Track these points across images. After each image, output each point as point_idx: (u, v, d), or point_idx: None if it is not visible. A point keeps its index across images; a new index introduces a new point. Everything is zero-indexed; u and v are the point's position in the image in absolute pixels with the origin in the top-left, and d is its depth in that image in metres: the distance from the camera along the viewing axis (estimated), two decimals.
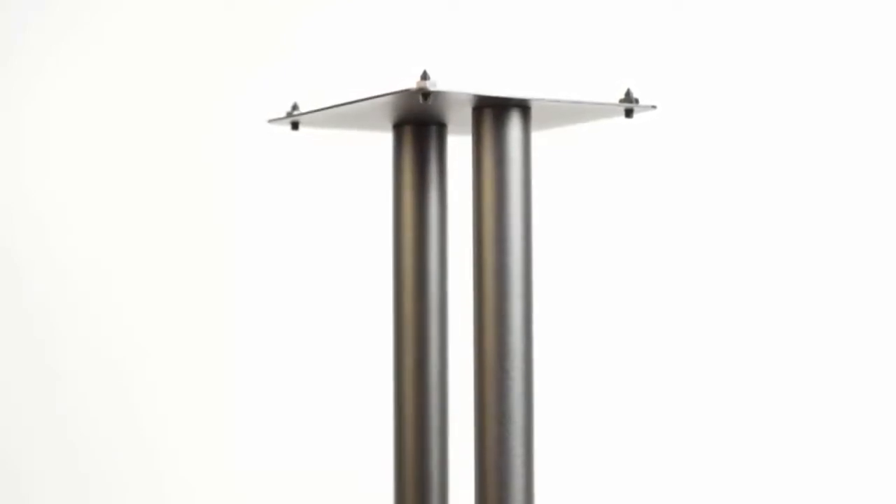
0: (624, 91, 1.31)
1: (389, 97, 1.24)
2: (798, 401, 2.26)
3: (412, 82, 1.22)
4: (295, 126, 1.39)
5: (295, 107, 1.37)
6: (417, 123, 1.40)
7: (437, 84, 1.21)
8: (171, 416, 2.47)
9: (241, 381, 2.44)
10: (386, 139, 1.47)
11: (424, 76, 1.21)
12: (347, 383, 2.39)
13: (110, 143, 2.50)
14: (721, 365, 2.27)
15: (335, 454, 2.40)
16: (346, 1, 2.43)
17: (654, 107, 1.31)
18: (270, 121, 1.40)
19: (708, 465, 2.28)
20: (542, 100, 1.27)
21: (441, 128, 1.41)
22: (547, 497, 1.83)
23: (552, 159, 1.87)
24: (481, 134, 1.29)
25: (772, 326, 2.25)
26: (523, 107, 1.28)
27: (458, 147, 1.46)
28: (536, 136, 1.35)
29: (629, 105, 1.30)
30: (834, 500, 2.25)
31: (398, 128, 1.41)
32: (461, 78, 1.30)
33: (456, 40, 2.34)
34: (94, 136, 2.51)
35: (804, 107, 2.24)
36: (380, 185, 1.83)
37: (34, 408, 2.52)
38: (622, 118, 1.33)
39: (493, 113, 1.28)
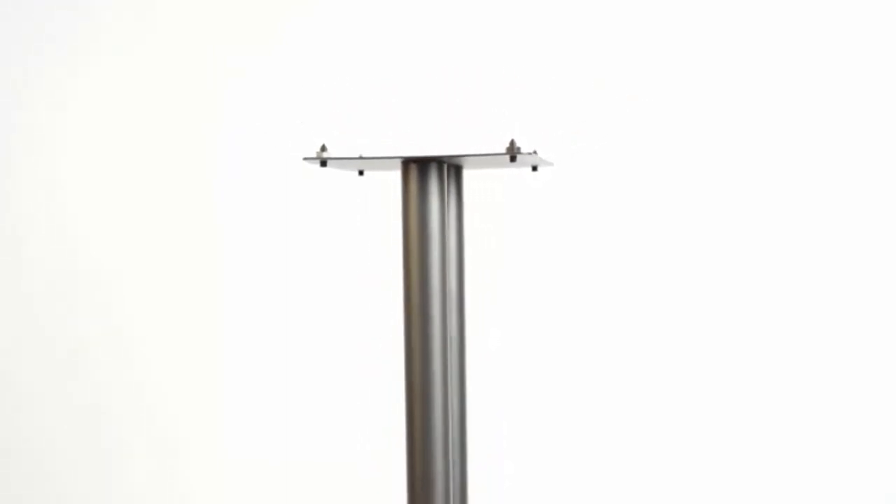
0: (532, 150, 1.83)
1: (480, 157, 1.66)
2: (766, 414, 2.38)
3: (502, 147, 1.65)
4: (324, 164, 1.69)
5: (324, 148, 1.68)
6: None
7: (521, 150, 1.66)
8: (179, 409, 2.66)
9: (234, 378, 2.65)
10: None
11: (512, 145, 1.66)
12: (336, 383, 2.60)
13: (114, 150, 2.66)
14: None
15: (325, 447, 2.62)
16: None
17: (551, 164, 1.86)
18: (305, 159, 1.68)
19: (698, 466, 2.44)
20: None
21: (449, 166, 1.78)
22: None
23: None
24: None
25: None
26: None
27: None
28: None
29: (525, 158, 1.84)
30: (832, 499, 2.36)
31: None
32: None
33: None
34: (100, 144, 2.67)
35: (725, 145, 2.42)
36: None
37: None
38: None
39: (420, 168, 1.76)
